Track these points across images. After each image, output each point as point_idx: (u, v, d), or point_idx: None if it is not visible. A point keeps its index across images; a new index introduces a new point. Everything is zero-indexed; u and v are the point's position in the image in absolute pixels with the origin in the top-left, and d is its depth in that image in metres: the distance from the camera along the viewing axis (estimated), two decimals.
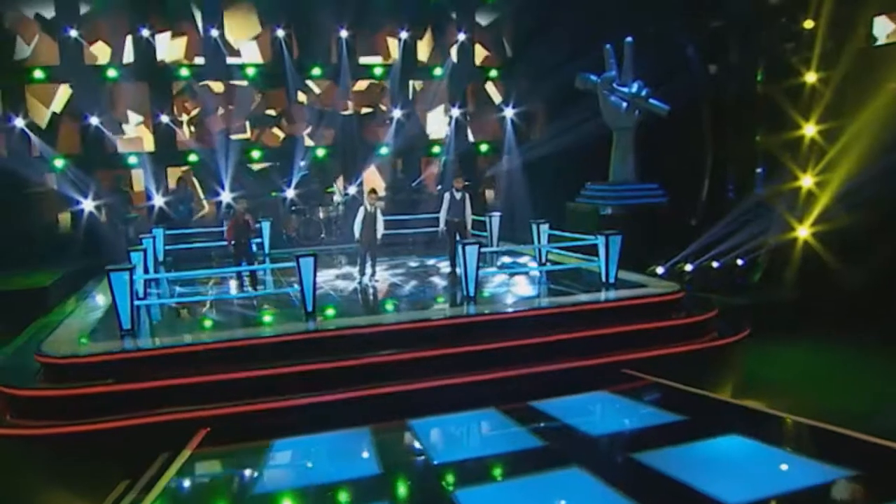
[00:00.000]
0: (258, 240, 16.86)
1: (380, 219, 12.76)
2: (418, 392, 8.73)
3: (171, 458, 7.43)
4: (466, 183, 13.33)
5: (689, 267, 14.36)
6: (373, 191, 13.00)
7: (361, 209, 12.71)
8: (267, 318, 10.75)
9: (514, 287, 12.62)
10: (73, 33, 19.04)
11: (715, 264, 14.39)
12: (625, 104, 16.94)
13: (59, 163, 19.02)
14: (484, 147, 22.33)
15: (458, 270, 11.35)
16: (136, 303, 11.23)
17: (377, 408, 8.59)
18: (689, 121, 18.08)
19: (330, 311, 10.76)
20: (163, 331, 10.28)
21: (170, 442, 7.75)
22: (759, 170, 17.84)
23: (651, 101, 16.71)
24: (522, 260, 15.37)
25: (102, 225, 18.88)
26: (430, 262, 15.41)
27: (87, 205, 19.25)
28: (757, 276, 14.53)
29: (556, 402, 8.58)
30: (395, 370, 9.02)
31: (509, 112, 22.16)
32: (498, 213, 16.61)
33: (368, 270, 13.03)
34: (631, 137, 17.18)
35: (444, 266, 14.16)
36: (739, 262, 14.53)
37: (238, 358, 8.83)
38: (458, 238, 12.52)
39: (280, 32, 20.20)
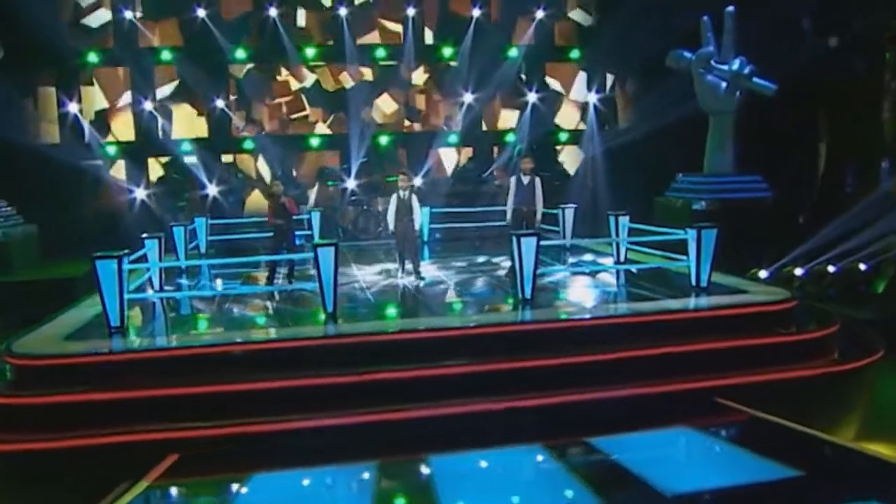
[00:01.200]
0: (307, 231, 15.46)
1: (416, 207, 11.05)
2: (442, 419, 6.88)
3: (126, 489, 5.92)
4: (534, 166, 11.33)
5: (799, 271, 11.99)
6: (404, 174, 11.31)
7: (394, 197, 11.05)
8: (285, 319, 9.18)
9: (584, 290, 10.63)
10: (129, 14, 18.18)
11: (831, 269, 11.97)
12: (724, 84, 14.92)
13: (111, 150, 18.25)
14: (562, 135, 20.25)
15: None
16: (152, 296, 9.99)
17: (390, 437, 6.78)
18: (800, 103, 15.91)
19: (355, 313, 9.15)
20: (162, 330, 8.84)
21: (138, 467, 6.25)
22: (883, 162, 15.35)
23: (755, 79, 14.66)
24: (598, 259, 13.33)
25: (154, 214, 17.95)
26: (493, 259, 13.52)
27: (140, 193, 18.44)
28: (883, 284, 12.03)
29: (624, 439, 6.60)
30: (416, 390, 7.19)
31: (591, 97, 20.04)
32: (573, 205, 14.63)
33: (409, 267, 11.33)
34: (730, 122, 15.16)
35: (506, 263, 12.26)
36: (862, 266, 12.05)
37: (226, 367, 7.25)
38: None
39: (342, 11, 18.77)
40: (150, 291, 10.44)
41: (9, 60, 15.70)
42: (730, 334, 8.18)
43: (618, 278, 11.34)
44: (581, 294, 10.34)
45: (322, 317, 8.56)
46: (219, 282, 12.50)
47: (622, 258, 11.92)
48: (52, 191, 16.71)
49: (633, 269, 11.49)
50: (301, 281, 10.79)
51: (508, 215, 11.29)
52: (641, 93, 18.83)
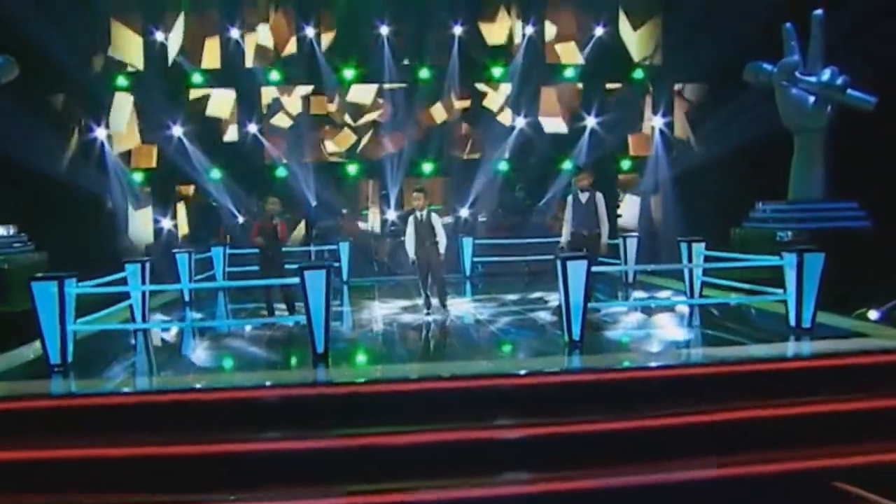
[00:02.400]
0: (334, 263, 13.85)
1: (438, 228, 9.36)
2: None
3: None
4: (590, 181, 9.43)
5: None
6: (420, 190, 9.58)
7: (410, 220, 9.41)
8: (260, 362, 7.41)
9: (648, 331, 8.60)
10: (160, 36, 17.22)
11: None
12: (812, 98, 13.09)
13: (137, 177, 17.19)
14: (625, 162, 18.27)
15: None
16: (132, 326, 8.43)
17: None
18: None
19: (355, 355, 7.45)
20: (117, 370, 7.15)
21: None
22: None
23: (850, 92, 12.76)
24: (666, 294, 11.25)
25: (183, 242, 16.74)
26: (543, 295, 11.57)
27: (166, 223, 17.30)
28: None
29: None
30: (417, 461, 5.30)
31: (657, 121, 18.10)
32: (636, 234, 12.67)
33: (435, 301, 9.54)
34: (819, 142, 13.30)
35: (554, 299, 10.31)
36: None
37: (174, 420, 5.52)
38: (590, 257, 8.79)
39: (384, 29, 17.42)
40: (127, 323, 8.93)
41: (28, 80, 14.76)
42: (849, 393, 6.03)
43: (692, 317, 9.24)
44: (645, 336, 8.31)
45: (310, 359, 6.79)
46: (222, 317, 10.94)
47: (697, 292, 9.81)
48: (70, 218, 15.59)
49: (711, 302, 9.43)
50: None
51: (564, 241, 9.40)
52: (710, 112, 16.83)
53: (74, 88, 16.17)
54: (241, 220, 17.08)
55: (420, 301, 9.96)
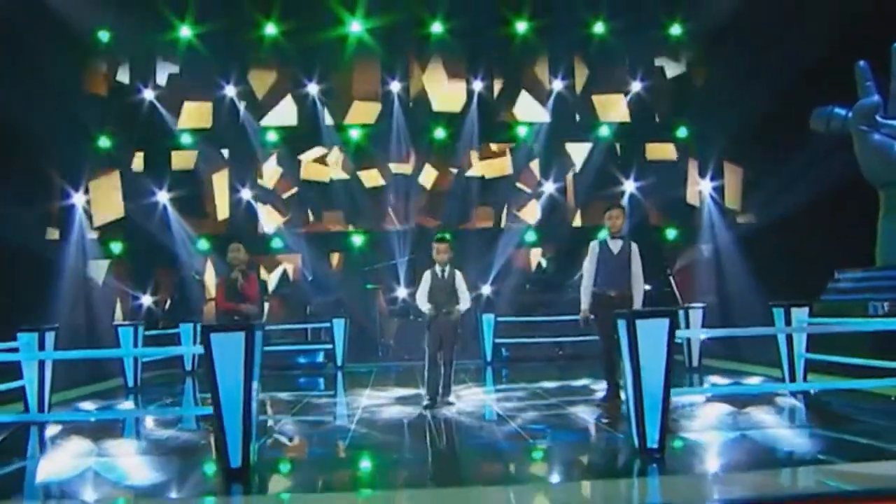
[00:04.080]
0: (326, 346, 11.47)
1: (462, 289, 7.10)
2: None
3: None
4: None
5: None
6: (444, 239, 7.24)
7: (427, 275, 7.17)
8: (147, 484, 4.75)
9: (741, 430, 5.91)
10: (149, 94, 15.50)
11: None
12: None
13: (115, 247, 15.13)
14: (670, 232, 15.86)
15: (624, 392, 5.07)
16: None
17: None
18: None
19: (301, 470, 4.98)
20: None
21: None
22: None
23: None
24: (753, 381, 8.60)
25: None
26: (588, 383, 8.98)
27: (146, 300, 15.10)
28: None
29: None
30: None
31: (705, 185, 15.81)
32: (700, 306, 10.20)
33: (442, 381, 7.10)
34: None
35: (600, 388, 7.72)
36: None
37: None
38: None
39: (396, 85, 15.58)
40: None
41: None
42: None
43: (799, 410, 6.60)
44: (739, 439, 5.67)
45: (219, 479, 4.27)
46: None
47: (801, 375, 7.17)
48: (45, 295, 13.47)
49: (828, 387, 6.83)
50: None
51: (584, 303, 7.02)
52: (766, 168, 14.56)
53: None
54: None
55: (422, 390, 7.45)
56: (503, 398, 8.00)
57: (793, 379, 7.18)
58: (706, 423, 6.26)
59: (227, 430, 4.19)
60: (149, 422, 6.95)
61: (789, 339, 7.25)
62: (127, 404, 8.56)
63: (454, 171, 15.88)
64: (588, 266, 7.05)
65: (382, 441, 5.86)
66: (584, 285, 7.08)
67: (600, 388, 7.61)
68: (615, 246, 6.94)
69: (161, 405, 8.49)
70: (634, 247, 7.01)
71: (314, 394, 9.29)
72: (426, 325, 7.18)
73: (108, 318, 14.38)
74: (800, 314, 7.11)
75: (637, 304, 6.84)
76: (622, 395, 6.30)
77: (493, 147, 16.32)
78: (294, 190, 15.98)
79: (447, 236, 7.35)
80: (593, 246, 7.08)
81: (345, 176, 15.87)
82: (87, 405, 8.25)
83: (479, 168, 16.26)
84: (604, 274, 6.90)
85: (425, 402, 7.06)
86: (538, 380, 9.32)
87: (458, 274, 7.16)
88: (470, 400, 7.78)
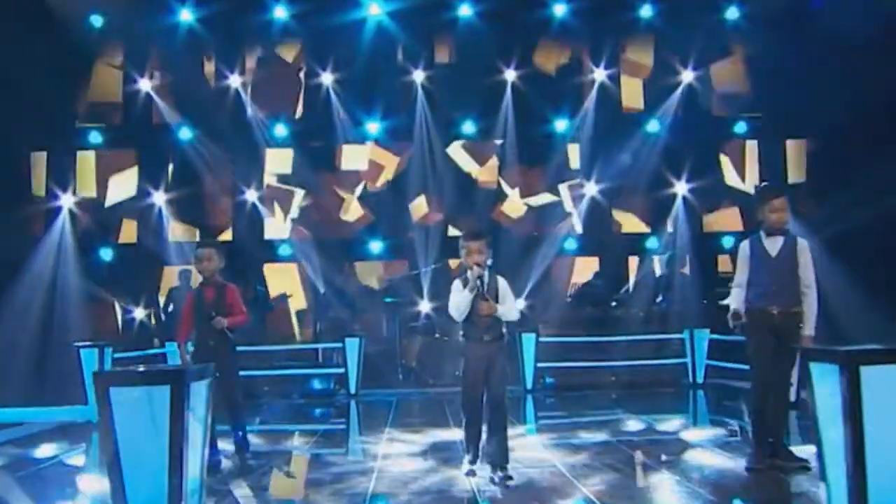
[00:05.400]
0: (338, 370, 9.70)
1: (508, 294, 5.27)
2: None
3: None
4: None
5: None
6: (479, 236, 5.28)
7: (456, 283, 5.23)
8: None
9: None
10: (145, 85, 13.88)
11: None
12: None
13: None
14: (726, 240, 13.91)
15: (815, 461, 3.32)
16: None
17: None
18: None
19: None
20: None
21: None
22: None
23: None
24: None
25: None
26: (674, 424, 7.08)
27: (139, 312, 13.46)
28: None
29: None
30: None
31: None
32: None
33: (489, 448, 5.18)
34: None
35: (717, 434, 5.79)
36: None
37: None
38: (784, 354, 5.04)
39: (419, 74, 13.86)
40: None
41: None
42: None
43: None
44: None
45: None
46: None
47: None
48: None
49: None
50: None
51: (735, 303, 5.26)
52: (841, 173, 12.63)
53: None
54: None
55: (460, 437, 5.60)
56: (562, 444, 6.16)
57: None
58: None
59: None
60: None
61: None
62: None
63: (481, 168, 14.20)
64: (739, 275, 5.31)
65: None
66: (732, 295, 5.33)
67: (705, 435, 5.72)
68: (773, 246, 5.12)
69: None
70: (803, 244, 5.15)
71: (317, 436, 7.45)
72: (461, 353, 5.35)
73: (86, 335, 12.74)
74: None
75: (810, 325, 5.05)
76: (786, 463, 4.63)
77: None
78: (304, 191, 14.31)
79: (484, 233, 5.44)
80: (743, 246, 5.31)
81: (362, 174, 14.24)
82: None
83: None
84: (760, 284, 5.13)
85: (465, 469, 5.20)
86: (600, 417, 7.47)
87: (502, 281, 5.27)
88: (520, 451, 5.89)
